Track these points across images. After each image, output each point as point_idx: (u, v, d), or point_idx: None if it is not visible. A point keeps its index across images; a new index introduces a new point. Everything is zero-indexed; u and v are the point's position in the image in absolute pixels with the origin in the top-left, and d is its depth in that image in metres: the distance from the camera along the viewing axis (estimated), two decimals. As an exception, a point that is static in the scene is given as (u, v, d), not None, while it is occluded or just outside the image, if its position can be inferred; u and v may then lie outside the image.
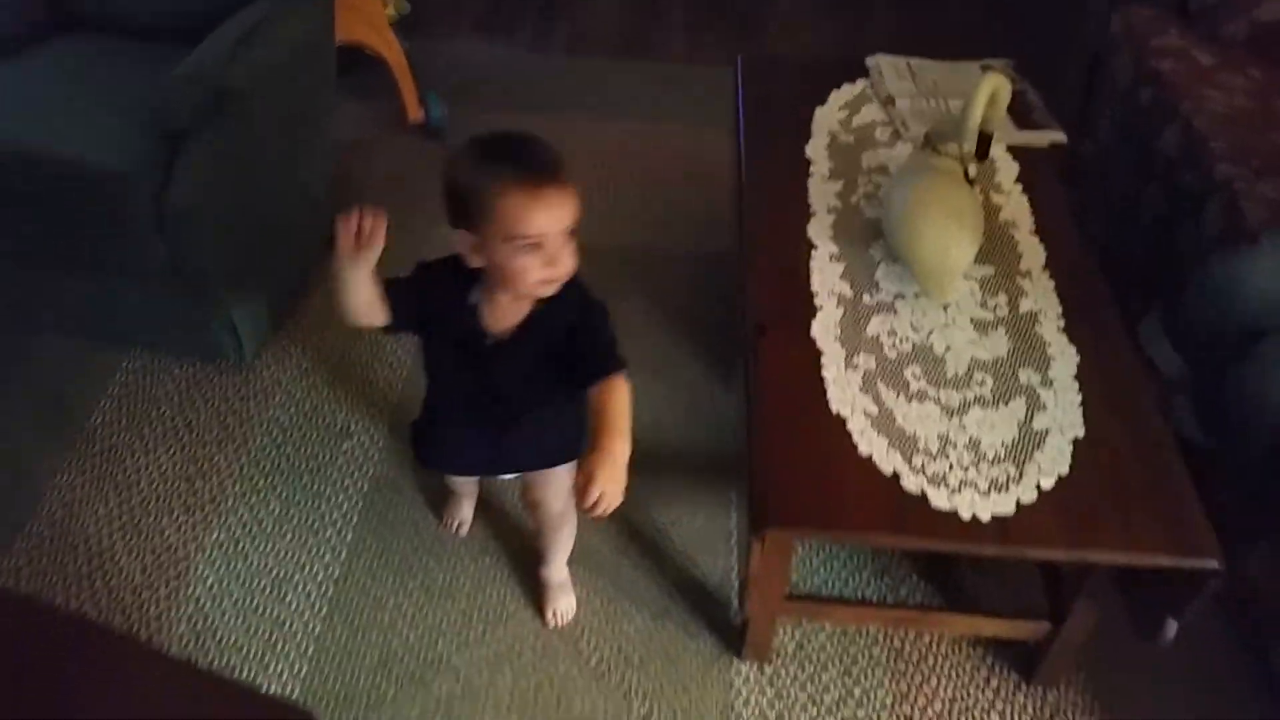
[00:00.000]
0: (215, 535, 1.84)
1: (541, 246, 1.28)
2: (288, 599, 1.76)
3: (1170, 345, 1.84)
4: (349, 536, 1.85)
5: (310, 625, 1.73)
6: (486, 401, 1.47)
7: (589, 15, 3.18)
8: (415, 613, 1.75)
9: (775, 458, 1.40)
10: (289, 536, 1.85)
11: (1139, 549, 1.32)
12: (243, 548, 1.83)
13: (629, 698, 1.65)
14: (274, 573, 1.80)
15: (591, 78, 3.09)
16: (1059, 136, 1.98)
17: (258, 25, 1.87)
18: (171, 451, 1.97)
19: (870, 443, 1.42)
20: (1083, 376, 1.53)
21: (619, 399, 1.32)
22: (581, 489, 1.22)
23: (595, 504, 1.21)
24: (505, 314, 1.39)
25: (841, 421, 1.45)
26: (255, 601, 1.76)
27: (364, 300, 1.36)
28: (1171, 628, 1.41)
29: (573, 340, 1.38)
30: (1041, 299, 1.66)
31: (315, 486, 1.93)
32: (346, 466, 1.97)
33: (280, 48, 1.98)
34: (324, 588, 1.78)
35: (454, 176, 1.31)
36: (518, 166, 1.27)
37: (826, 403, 1.47)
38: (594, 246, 2.44)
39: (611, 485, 1.22)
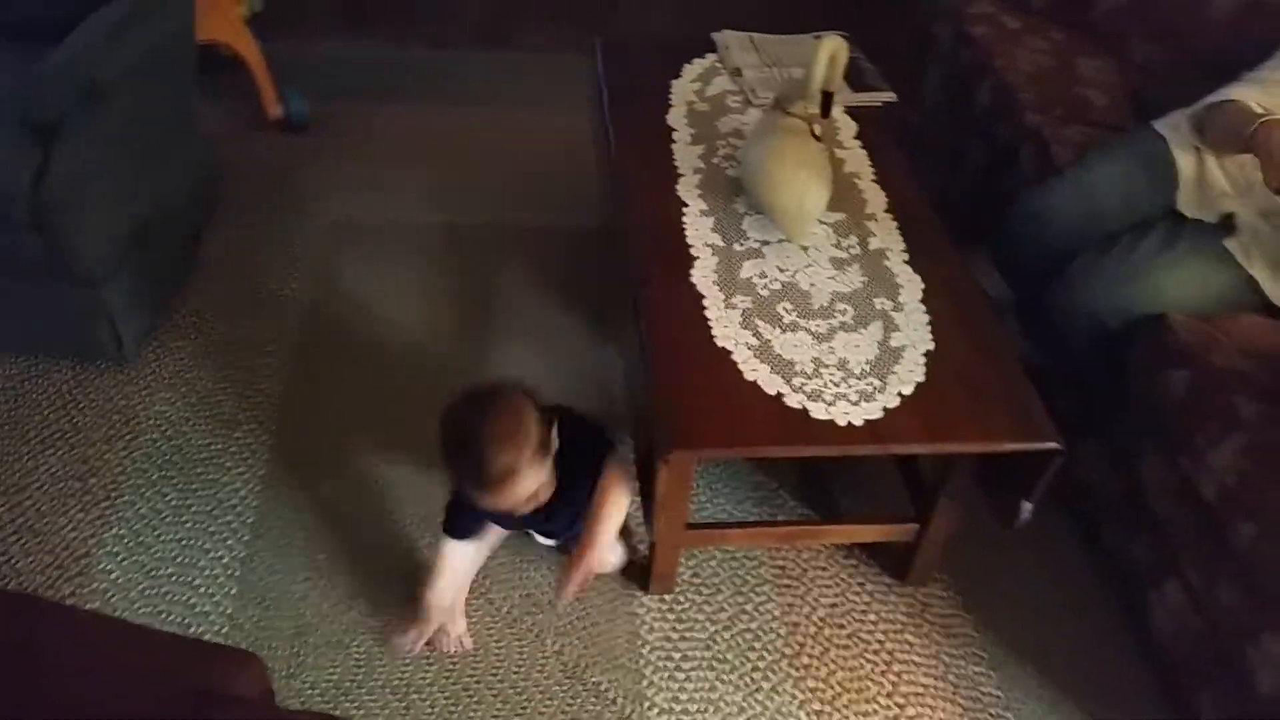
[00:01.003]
0: (114, 530, 1.84)
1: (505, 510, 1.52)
2: (196, 583, 1.78)
3: (997, 273, 2.08)
4: (250, 519, 1.88)
5: (222, 605, 1.75)
6: (548, 525, 1.74)
7: (447, 9, 3.25)
8: (326, 584, 1.80)
9: (673, 390, 1.54)
10: (189, 524, 1.87)
11: (991, 438, 1.52)
12: (144, 539, 1.83)
13: (541, 638, 1.75)
14: (179, 560, 1.81)
15: (452, 69, 3.16)
16: (890, 96, 2.19)
17: (124, 20, 1.88)
18: (60, 453, 1.95)
19: (754, 370, 1.57)
20: (928, 300, 1.73)
21: (609, 503, 1.59)
22: (558, 586, 1.60)
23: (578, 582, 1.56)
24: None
25: (727, 353, 1.60)
26: (164, 589, 1.77)
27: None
28: (1025, 510, 1.62)
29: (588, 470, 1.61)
30: (887, 238, 1.86)
31: (210, 475, 1.95)
32: (240, 454, 1.99)
33: (147, 42, 1.99)
34: (231, 569, 1.80)
35: (440, 440, 1.48)
36: (470, 480, 1.47)
37: (712, 339, 1.62)
38: (469, 225, 2.57)
39: (582, 583, 1.58)
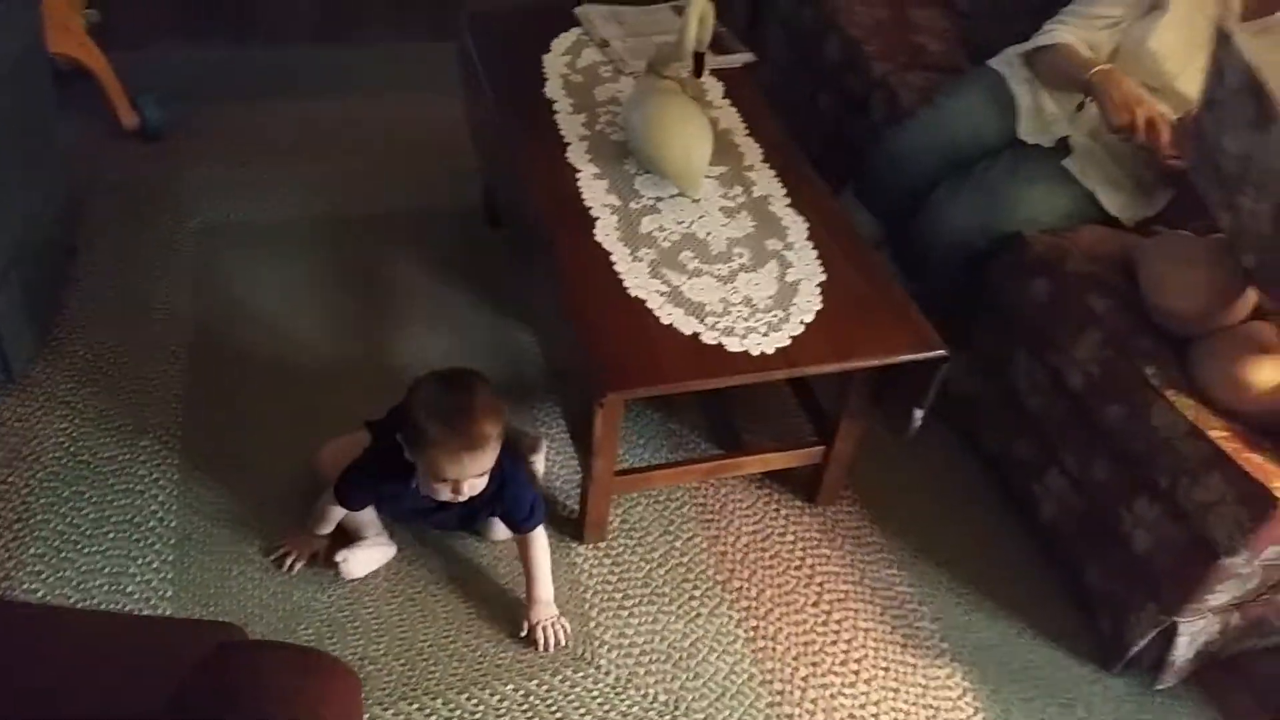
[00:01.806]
0: (33, 549, 1.79)
1: (455, 481, 1.60)
2: (129, 590, 1.76)
3: (866, 212, 2.25)
4: (173, 523, 1.87)
5: (159, 608, 1.74)
6: (436, 519, 1.83)
7: (283, 7, 3.20)
8: (262, 575, 1.80)
9: (597, 339, 1.62)
10: (111, 535, 1.84)
11: (888, 351, 1.68)
12: (66, 555, 1.80)
13: (486, 599, 1.82)
14: (106, 570, 1.78)
15: (298, 65, 3.12)
16: (749, 57, 2.33)
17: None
18: (-42, 481, 1.88)
19: (669, 314, 1.68)
20: (814, 237, 1.87)
21: (535, 552, 1.75)
22: (531, 641, 1.73)
23: (546, 640, 1.73)
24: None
25: (641, 302, 1.69)
26: (95, 600, 1.74)
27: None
28: (917, 417, 1.78)
29: (496, 500, 1.72)
30: (768, 185, 1.99)
31: (124, 484, 1.92)
32: (150, 461, 1.96)
33: (9, 57, 1.93)
34: (162, 572, 1.79)
35: (410, 405, 1.60)
36: (451, 432, 1.56)
37: (625, 290, 1.71)
38: (344, 217, 2.58)
39: (549, 620, 1.74)
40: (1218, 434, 1.62)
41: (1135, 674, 1.84)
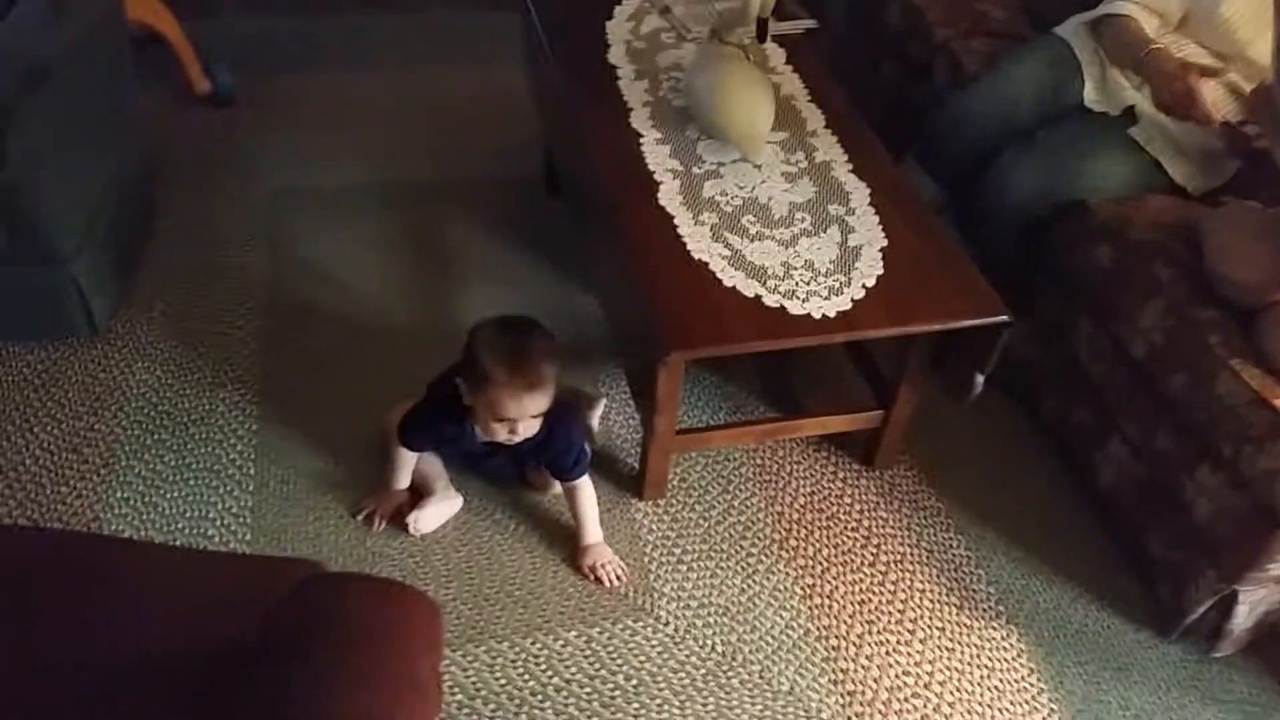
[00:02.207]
0: (119, 493, 1.88)
1: (512, 421, 1.66)
2: (209, 533, 1.84)
3: (928, 178, 2.26)
4: (251, 470, 1.94)
5: (239, 549, 1.81)
6: (488, 465, 1.91)
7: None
8: (337, 522, 1.87)
9: (661, 300, 1.66)
10: (192, 481, 1.92)
11: (948, 316, 1.69)
12: (150, 499, 1.88)
13: (549, 547, 1.87)
14: (188, 514, 1.86)
15: (362, 35, 3.18)
16: (811, 23, 2.33)
17: (58, 1, 1.90)
18: (49, 428, 1.97)
19: (731, 277, 1.71)
20: (875, 203, 1.89)
21: (581, 500, 1.82)
22: (593, 579, 1.81)
23: (606, 578, 1.80)
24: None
25: (704, 264, 1.72)
26: (179, 540, 1.82)
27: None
28: (978, 382, 1.79)
29: (545, 448, 1.78)
30: (830, 151, 2.00)
31: (204, 434, 2.00)
32: (229, 412, 2.04)
33: (84, 21, 2.01)
34: (241, 517, 1.87)
35: (472, 347, 1.66)
36: (512, 371, 1.62)
37: (688, 253, 1.74)
38: (409, 183, 2.64)
39: (603, 561, 1.81)
40: (1282, 402, 1.62)
41: (1192, 642, 1.85)
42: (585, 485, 1.82)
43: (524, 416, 1.66)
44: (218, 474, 1.93)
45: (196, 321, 2.20)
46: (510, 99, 2.79)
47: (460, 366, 1.70)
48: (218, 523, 1.85)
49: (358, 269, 2.37)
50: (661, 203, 1.84)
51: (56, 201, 1.93)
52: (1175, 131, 2.02)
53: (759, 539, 1.92)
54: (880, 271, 1.75)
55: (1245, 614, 1.75)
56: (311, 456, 1.97)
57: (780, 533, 1.93)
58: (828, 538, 1.93)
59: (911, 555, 1.92)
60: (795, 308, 1.67)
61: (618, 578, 1.81)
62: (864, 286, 1.72)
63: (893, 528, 1.96)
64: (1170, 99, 1.89)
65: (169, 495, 1.89)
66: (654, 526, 1.92)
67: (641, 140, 1.98)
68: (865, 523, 1.97)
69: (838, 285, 1.71)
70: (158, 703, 1.08)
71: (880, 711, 1.69)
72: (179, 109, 2.77)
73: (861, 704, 1.70)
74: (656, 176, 1.90)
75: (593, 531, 1.83)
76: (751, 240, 1.78)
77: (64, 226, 1.96)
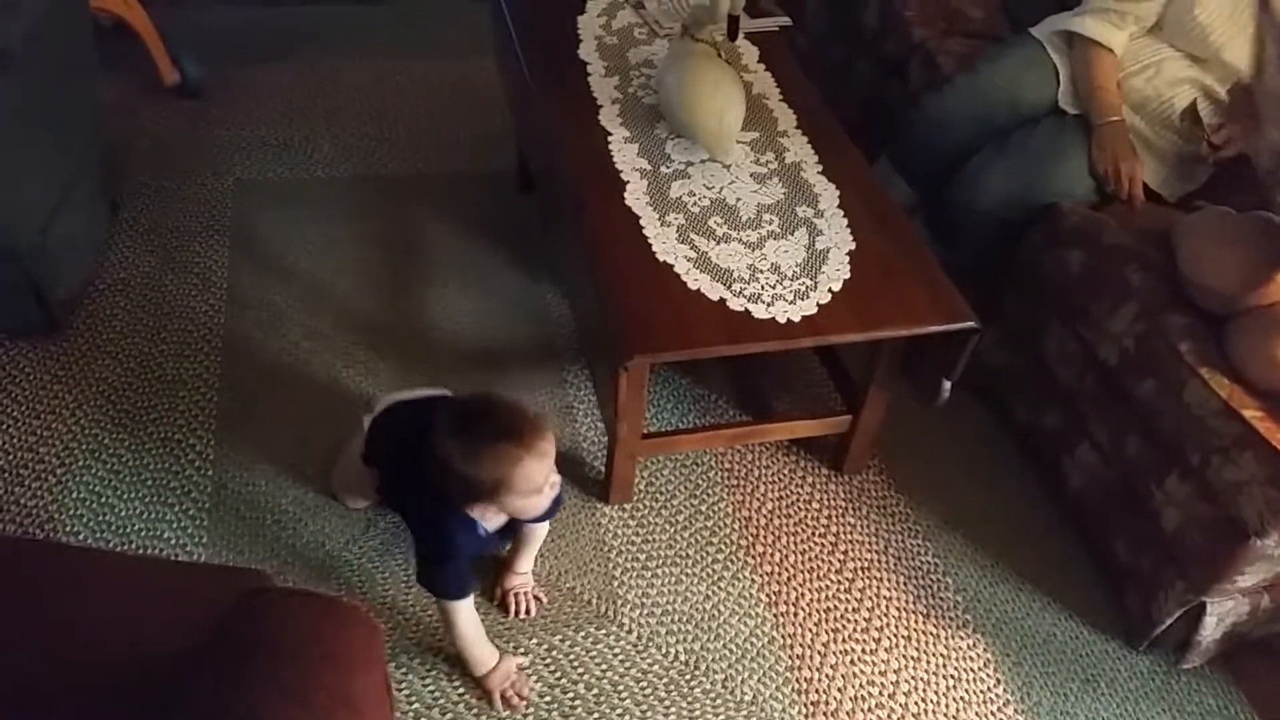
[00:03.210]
0: (75, 493, 1.85)
1: (546, 478, 1.49)
2: (165, 535, 1.80)
3: (902, 179, 2.23)
4: (210, 472, 1.91)
5: (194, 554, 1.78)
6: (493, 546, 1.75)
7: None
8: (295, 525, 1.84)
9: (624, 303, 1.63)
10: (150, 481, 1.88)
11: (915, 322, 1.67)
12: (106, 499, 1.85)
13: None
14: (145, 515, 1.83)
15: (332, 25, 3.13)
16: (785, 20, 2.30)
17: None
18: (4, 426, 1.93)
19: (696, 279, 1.68)
20: (845, 205, 1.86)
21: (538, 534, 1.73)
22: (510, 604, 1.74)
23: (522, 607, 1.73)
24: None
25: (669, 267, 1.69)
26: (134, 544, 1.79)
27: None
28: (946, 388, 1.77)
29: None
30: (800, 152, 1.97)
31: (163, 433, 1.96)
32: (189, 410, 2.00)
33: (41, 8, 1.96)
34: (199, 519, 1.83)
35: (462, 469, 1.43)
36: (519, 441, 1.43)
37: (653, 254, 1.71)
38: (378, 177, 2.60)
39: (527, 589, 1.75)
40: (1251, 413, 1.60)
41: (1160, 653, 1.83)
42: (547, 523, 1.73)
43: (552, 468, 1.50)
44: (176, 475, 1.90)
45: (158, 318, 2.17)
46: (483, 91, 2.76)
47: (463, 495, 1.49)
48: (174, 525, 1.82)
49: (323, 266, 2.33)
50: (628, 203, 1.81)
51: (13, 193, 1.89)
52: (1149, 135, 2.00)
53: (725, 544, 1.89)
54: (847, 275, 1.72)
55: (1213, 625, 1.74)
56: (271, 457, 1.93)
57: (747, 538, 1.91)
58: (794, 544, 1.91)
59: (879, 562, 1.90)
60: (760, 311, 1.64)
61: (529, 611, 1.74)
62: (830, 291, 1.69)
63: (860, 534, 1.94)
64: (1108, 177, 1.94)
65: (126, 497, 1.85)
66: (619, 532, 1.89)
67: (610, 138, 1.94)
68: (833, 529, 1.95)
69: (804, 289, 1.69)
70: (91, 714, 1.05)
71: (843, 721, 1.68)
72: (146, 100, 2.73)
73: (825, 714, 1.68)
74: (624, 176, 1.86)
75: (529, 561, 1.76)
76: (718, 242, 1.76)
77: (21, 219, 1.92)
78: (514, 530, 1.71)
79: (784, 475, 2.03)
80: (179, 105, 2.72)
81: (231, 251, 2.34)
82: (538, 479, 1.46)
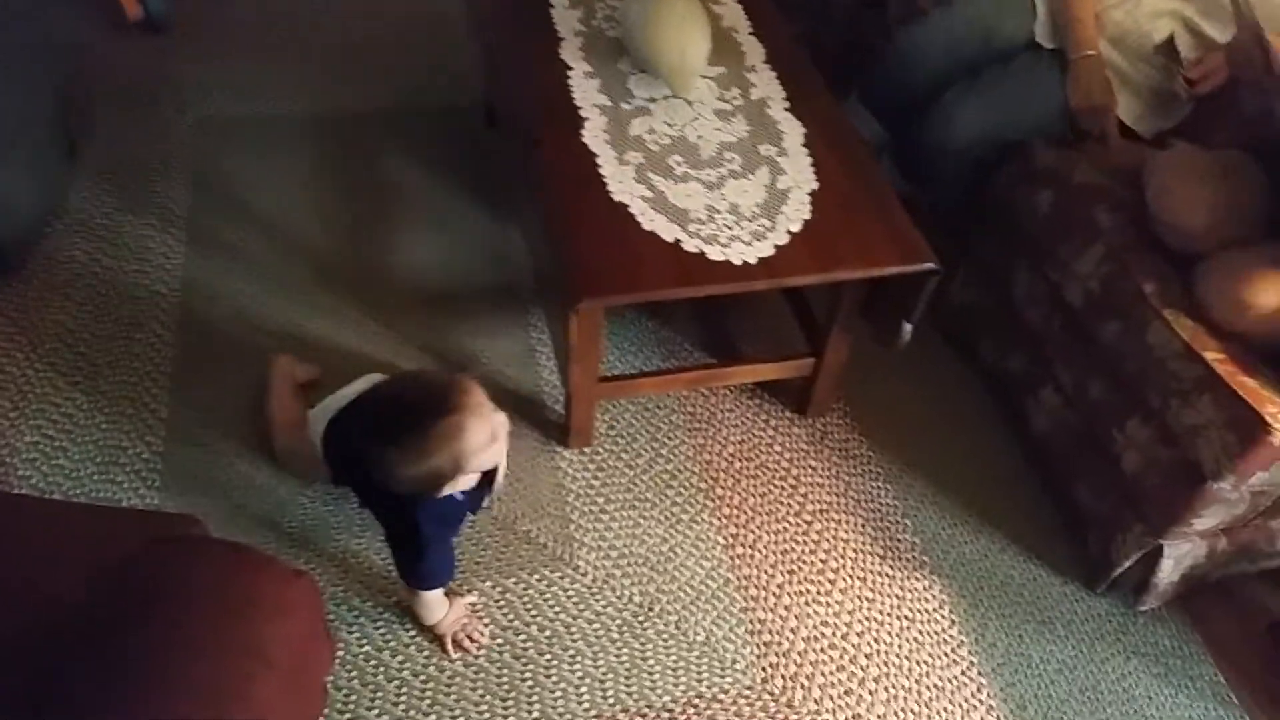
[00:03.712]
0: (27, 438, 1.83)
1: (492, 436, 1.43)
2: (118, 479, 1.79)
3: (872, 116, 2.18)
4: (164, 414, 1.89)
5: (146, 498, 1.77)
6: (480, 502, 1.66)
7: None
8: (250, 469, 1.83)
9: (575, 245, 1.59)
10: (104, 425, 1.87)
11: (874, 264, 1.63)
12: (60, 443, 1.83)
13: (470, 496, 1.83)
14: (97, 459, 1.81)
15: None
16: (758, -49, 2.23)
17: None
18: (-45, 368, 1.92)
19: (651, 220, 1.64)
20: (809, 144, 1.82)
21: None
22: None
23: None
24: None
25: (624, 206, 1.66)
26: (86, 488, 1.77)
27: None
28: (906, 330, 1.74)
29: None
30: (767, 87, 1.92)
31: (118, 377, 1.94)
32: (144, 354, 1.98)
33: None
34: (152, 463, 1.82)
35: (416, 470, 1.36)
36: (451, 409, 1.36)
37: (609, 194, 1.67)
38: (341, 113, 2.54)
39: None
40: (1213, 356, 1.57)
41: (1119, 595, 1.83)
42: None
43: (492, 407, 1.44)
44: (130, 418, 1.88)
45: (116, 259, 2.13)
46: (452, 26, 2.68)
47: (417, 496, 1.46)
48: (128, 468, 1.81)
49: (285, 203, 2.29)
50: (585, 140, 1.76)
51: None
52: (1127, 69, 1.95)
53: (685, 488, 1.88)
54: (807, 216, 1.68)
55: (1170, 568, 1.73)
56: (227, 400, 1.91)
57: (707, 481, 1.89)
58: (754, 487, 1.90)
59: (838, 504, 1.89)
60: (715, 253, 1.60)
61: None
62: (789, 232, 1.65)
63: (821, 476, 1.93)
64: (1081, 114, 1.91)
65: (79, 440, 1.84)
66: (578, 475, 1.88)
67: (570, 73, 1.89)
68: (794, 472, 1.93)
69: (762, 230, 1.65)
70: None
71: (796, 661, 1.67)
72: (110, 36, 2.66)
73: (777, 654, 1.68)
74: (582, 112, 1.82)
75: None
76: (677, 182, 1.71)
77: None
78: (490, 478, 1.67)
79: (747, 419, 2.01)
80: (142, 41, 2.66)
81: (193, 191, 2.29)
82: (485, 433, 1.41)
